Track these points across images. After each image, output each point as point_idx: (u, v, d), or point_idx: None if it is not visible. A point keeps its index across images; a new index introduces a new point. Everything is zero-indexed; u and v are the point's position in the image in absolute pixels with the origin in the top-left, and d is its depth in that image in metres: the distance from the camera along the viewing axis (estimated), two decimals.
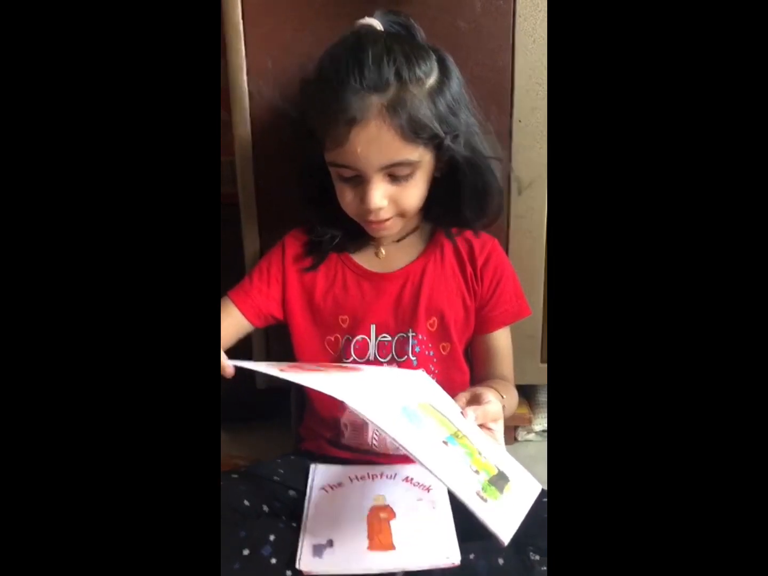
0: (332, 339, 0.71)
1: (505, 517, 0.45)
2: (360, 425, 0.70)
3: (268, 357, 0.84)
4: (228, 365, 0.53)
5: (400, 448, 0.44)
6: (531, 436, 0.96)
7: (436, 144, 0.61)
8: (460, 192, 0.66)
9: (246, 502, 0.59)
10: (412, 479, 0.63)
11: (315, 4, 0.70)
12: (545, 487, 0.52)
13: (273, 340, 0.83)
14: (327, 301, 0.71)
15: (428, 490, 0.61)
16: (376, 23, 0.63)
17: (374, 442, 0.69)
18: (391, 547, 0.53)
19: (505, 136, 0.71)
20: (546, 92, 0.72)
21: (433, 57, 0.61)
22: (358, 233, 0.70)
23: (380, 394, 0.53)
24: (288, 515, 0.60)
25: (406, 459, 0.68)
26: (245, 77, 0.72)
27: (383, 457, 0.69)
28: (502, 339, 0.73)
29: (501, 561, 0.52)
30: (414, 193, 0.63)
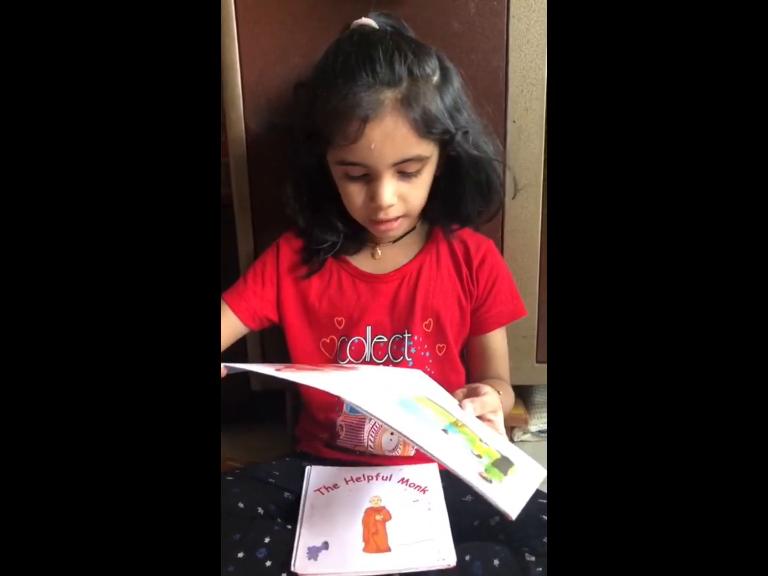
0: (327, 341, 0.71)
1: (511, 494, 0.44)
2: (356, 426, 0.70)
3: (264, 360, 0.84)
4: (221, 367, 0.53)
5: (399, 434, 0.43)
6: (527, 436, 0.96)
7: (444, 140, 0.61)
8: (461, 188, 0.66)
9: (241, 505, 0.58)
10: (407, 480, 0.63)
11: (308, 6, 0.69)
12: (544, 489, 0.52)
13: (268, 342, 0.83)
14: (322, 302, 0.70)
15: (424, 491, 0.61)
16: (373, 23, 0.63)
17: (370, 443, 0.69)
18: (387, 548, 0.53)
19: (499, 136, 0.71)
20: (540, 93, 0.72)
21: (434, 56, 0.61)
22: (355, 236, 0.70)
23: (376, 388, 0.52)
24: (283, 517, 0.60)
25: (401, 460, 0.68)
26: (239, 79, 0.72)
27: (379, 458, 0.69)
28: (498, 340, 0.73)
29: (497, 562, 0.52)
30: (422, 190, 0.63)
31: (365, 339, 0.70)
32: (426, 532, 0.55)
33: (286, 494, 0.63)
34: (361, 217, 0.65)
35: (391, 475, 0.64)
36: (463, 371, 0.74)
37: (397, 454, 0.69)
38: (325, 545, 0.53)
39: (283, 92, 0.72)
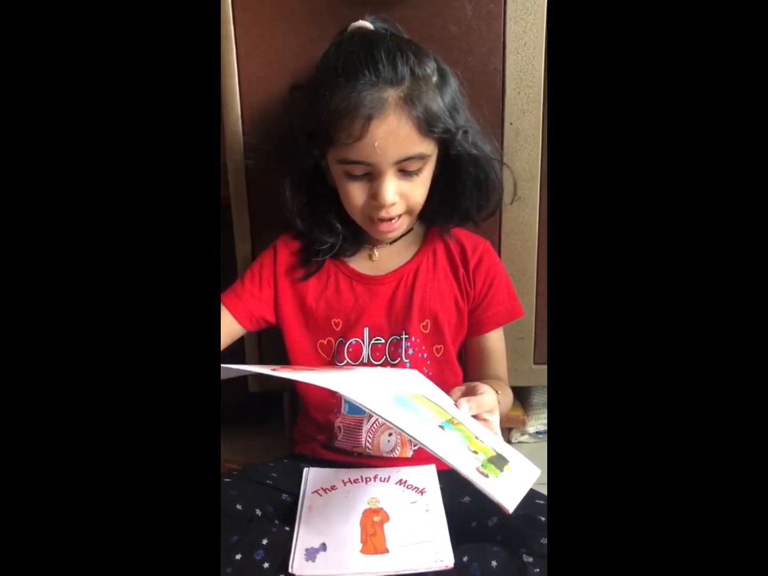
0: (325, 342, 0.71)
1: (508, 488, 0.45)
2: (354, 428, 0.70)
3: (261, 361, 0.84)
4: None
5: (397, 430, 0.43)
6: (525, 437, 0.96)
7: (445, 139, 0.61)
8: (460, 186, 0.66)
9: (238, 506, 0.58)
10: (405, 482, 0.63)
11: (304, 10, 0.70)
12: (541, 490, 0.52)
13: (265, 344, 0.83)
14: (319, 304, 0.71)
15: (422, 493, 0.61)
16: (369, 27, 0.63)
17: (368, 444, 0.69)
18: (385, 550, 0.53)
19: (496, 138, 0.72)
20: (537, 95, 0.72)
21: (432, 57, 0.62)
22: (353, 238, 0.70)
23: (373, 385, 0.52)
24: (281, 519, 0.60)
25: (399, 462, 0.68)
26: (236, 81, 0.72)
27: (377, 459, 0.69)
28: (495, 340, 0.74)
29: (494, 563, 0.52)
30: (422, 189, 0.64)
31: (363, 340, 0.70)
32: (424, 534, 0.55)
33: (284, 496, 0.63)
34: (361, 217, 0.65)
35: (389, 477, 0.64)
36: (461, 372, 0.74)
37: (395, 456, 0.69)
38: (323, 547, 0.53)
39: (280, 95, 0.72)
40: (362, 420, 0.69)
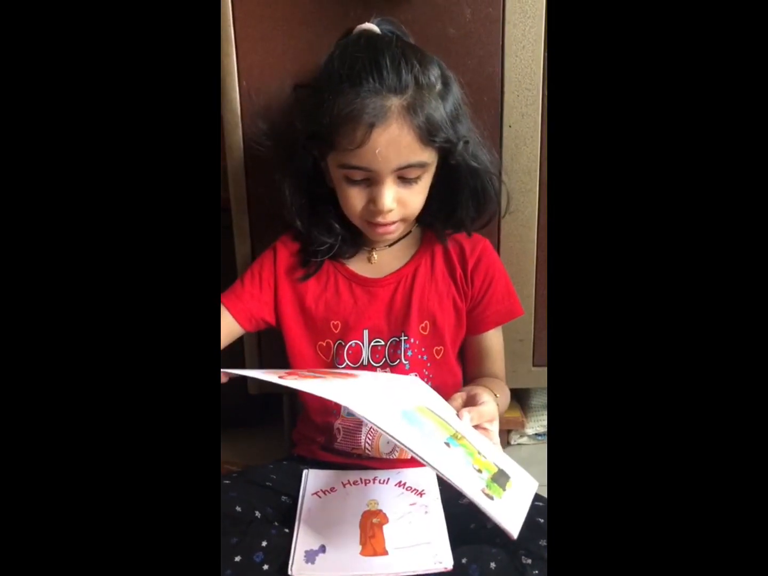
0: (324, 344, 0.71)
1: (511, 512, 0.46)
2: (353, 430, 0.70)
3: (261, 362, 0.84)
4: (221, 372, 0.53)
5: (408, 451, 0.44)
6: (524, 439, 0.97)
7: (446, 149, 0.62)
8: (458, 195, 0.67)
9: (238, 508, 0.58)
10: (404, 484, 0.63)
11: (305, 10, 0.70)
12: (541, 490, 0.53)
13: (265, 344, 0.83)
14: (319, 306, 0.71)
15: (421, 494, 0.61)
16: (376, 29, 0.63)
17: (367, 446, 0.69)
18: (384, 552, 0.53)
19: (495, 141, 0.72)
20: (535, 98, 0.72)
21: (436, 64, 0.62)
22: (352, 239, 0.70)
23: (380, 398, 0.53)
24: (280, 521, 0.60)
25: (398, 464, 0.68)
26: (236, 83, 0.72)
27: (376, 461, 0.69)
28: (494, 339, 0.74)
29: (493, 565, 0.52)
30: (420, 196, 0.64)
31: (362, 342, 0.70)
32: (423, 536, 0.55)
33: (284, 498, 0.63)
34: (359, 220, 0.66)
35: (388, 479, 0.64)
36: (460, 373, 0.74)
37: (395, 458, 0.70)
38: (323, 549, 0.53)
39: (280, 96, 0.72)
40: (361, 422, 0.69)
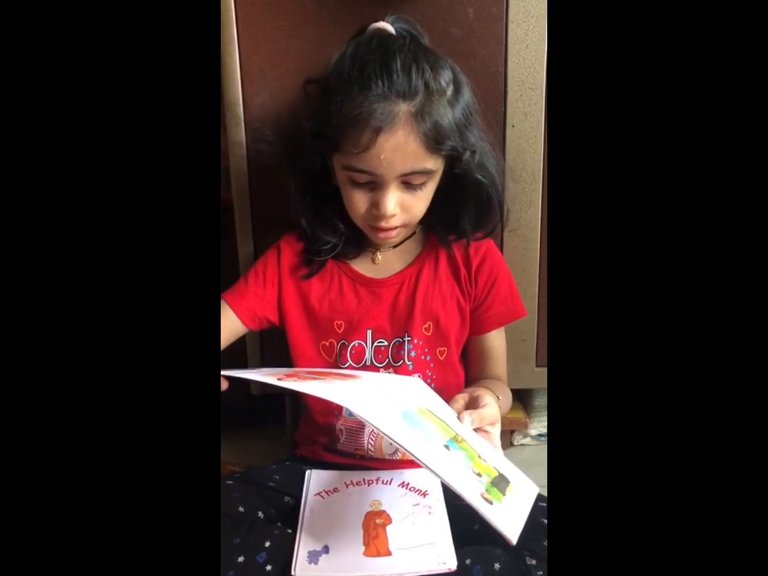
0: (327, 344, 0.71)
1: (511, 517, 0.46)
2: (356, 431, 0.70)
3: (263, 361, 0.84)
4: (222, 379, 0.53)
5: (407, 453, 0.44)
6: (527, 440, 0.96)
7: (452, 157, 0.61)
8: (462, 204, 0.66)
9: (241, 509, 0.58)
10: (408, 484, 0.63)
11: (307, 11, 0.70)
12: (543, 491, 0.52)
13: (267, 343, 0.83)
14: (322, 305, 0.71)
15: (424, 495, 0.61)
16: (390, 28, 0.62)
17: (370, 447, 0.69)
18: (387, 552, 0.53)
19: (498, 141, 0.72)
20: (539, 98, 0.72)
21: (449, 67, 0.61)
22: (356, 239, 0.70)
23: (380, 400, 0.52)
24: (283, 521, 0.60)
25: (401, 464, 0.68)
26: (239, 82, 0.72)
27: (379, 462, 0.69)
28: (497, 340, 0.74)
29: (497, 566, 0.52)
30: (424, 202, 0.64)
31: (366, 343, 0.70)
32: (426, 536, 0.55)
33: (286, 498, 0.63)
34: (362, 223, 0.66)
35: (391, 479, 0.63)
36: (463, 374, 0.74)
37: (398, 458, 0.69)
38: (326, 549, 0.53)
39: (283, 96, 0.72)
40: (364, 423, 0.69)
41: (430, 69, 0.58)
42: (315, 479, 0.65)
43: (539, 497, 0.53)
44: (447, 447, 0.48)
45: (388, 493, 0.61)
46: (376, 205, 0.61)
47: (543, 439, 0.96)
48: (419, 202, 0.63)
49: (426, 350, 0.70)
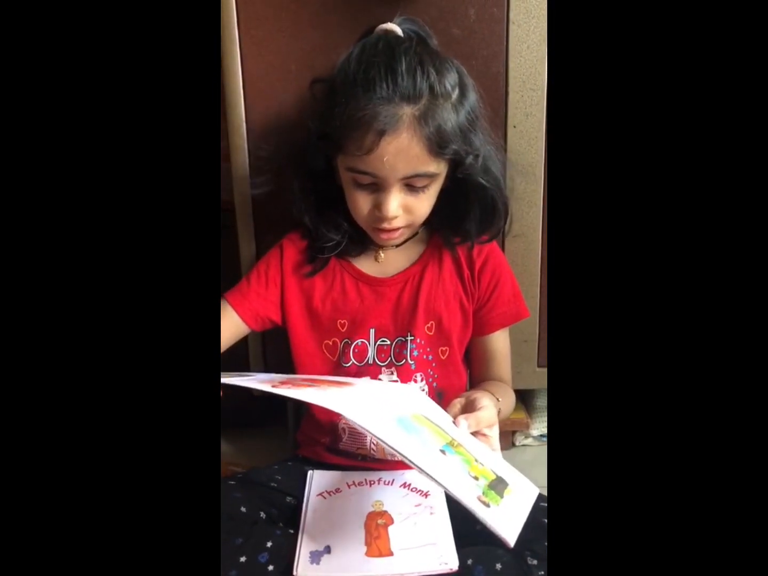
0: (330, 343, 0.71)
1: (509, 519, 0.45)
2: (358, 431, 0.70)
3: (265, 362, 0.84)
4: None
5: (400, 457, 0.44)
6: (529, 440, 0.96)
7: (455, 161, 0.61)
8: (467, 207, 0.66)
9: (242, 509, 0.58)
10: (409, 485, 0.63)
11: (309, 12, 0.70)
12: (544, 492, 0.52)
13: (269, 343, 0.83)
14: (326, 305, 0.71)
15: (426, 495, 0.61)
16: (398, 30, 0.62)
17: (372, 447, 0.69)
18: (389, 553, 0.53)
19: (500, 141, 0.72)
20: (540, 98, 0.72)
21: (455, 70, 0.61)
22: (359, 238, 0.70)
23: (375, 406, 0.52)
24: (285, 522, 0.60)
25: (403, 465, 0.68)
26: (240, 84, 0.72)
27: (381, 462, 0.69)
28: (500, 341, 0.74)
29: (499, 566, 0.52)
30: (427, 204, 0.64)
31: (368, 342, 0.70)
32: (428, 537, 0.55)
33: (288, 499, 0.63)
34: (365, 224, 0.66)
35: (393, 480, 0.64)
36: (466, 374, 0.74)
37: (399, 459, 0.69)
38: (327, 549, 0.53)
39: (284, 99, 0.72)
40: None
41: (436, 72, 0.58)
42: (317, 480, 0.65)
43: (540, 497, 0.53)
44: (443, 451, 0.48)
45: (390, 494, 0.61)
46: (378, 207, 0.62)
47: (545, 439, 0.96)
48: (422, 205, 0.63)
49: (428, 350, 0.70)
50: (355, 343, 0.70)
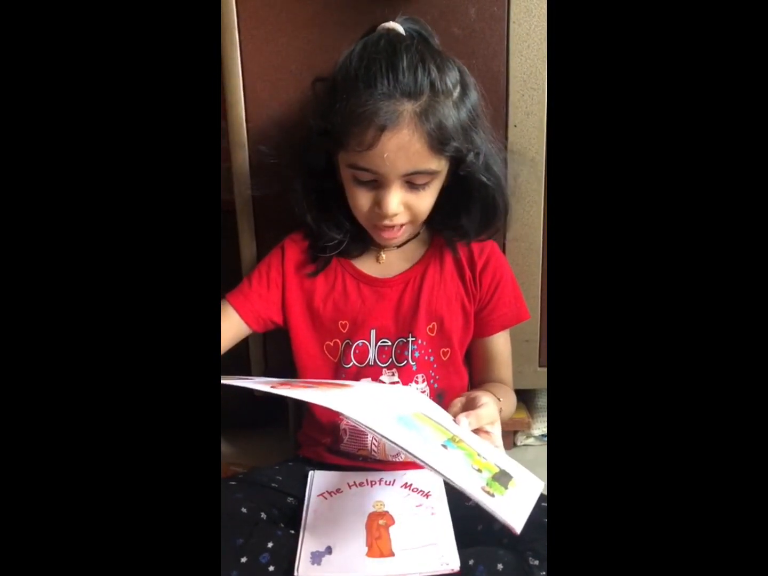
0: (331, 344, 0.71)
1: (514, 508, 0.45)
2: (359, 431, 0.70)
3: (266, 363, 0.84)
4: None
5: (401, 451, 0.43)
6: (530, 440, 0.96)
7: (456, 158, 0.61)
8: (467, 205, 0.66)
9: (244, 510, 0.58)
10: (410, 485, 0.63)
11: (308, 12, 0.70)
12: (545, 491, 0.52)
13: (270, 344, 0.83)
14: (327, 305, 0.71)
15: (427, 496, 0.61)
16: (400, 28, 0.62)
17: (374, 447, 0.69)
18: (390, 553, 0.53)
19: (500, 140, 0.72)
20: (541, 97, 0.72)
21: (456, 68, 0.61)
22: (360, 237, 0.70)
23: (375, 405, 0.52)
24: (286, 522, 0.60)
25: (404, 465, 0.68)
26: (240, 84, 0.72)
27: (382, 463, 0.69)
28: (501, 343, 0.73)
29: (500, 566, 0.52)
30: (428, 201, 0.63)
31: (369, 342, 0.70)
32: (429, 537, 0.55)
33: (289, 499, 0.63)
34: (365, 222, 0.66)
35: (394, 480, 0.63)
36: (467, 375, 0.74)
37: (401, 459, 0.69)
38: (329, 550, 0.53)
39: (285, 99, 0.72)
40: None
41: (437, 69, 0.57)
42: (318, 480, 0.65)
43: (542, 497, 0.53)
44: (444, 446, 0.47)
45: (391, 494, 0.61)
46: (378, 204, 0.61)
47: (546, 439, 0.96)
48: (423, 202, 0.63)
49: (430, 351, 0.70)
50: (356, 344, 0.70)
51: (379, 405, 0.53)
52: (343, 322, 0.70)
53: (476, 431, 0.54)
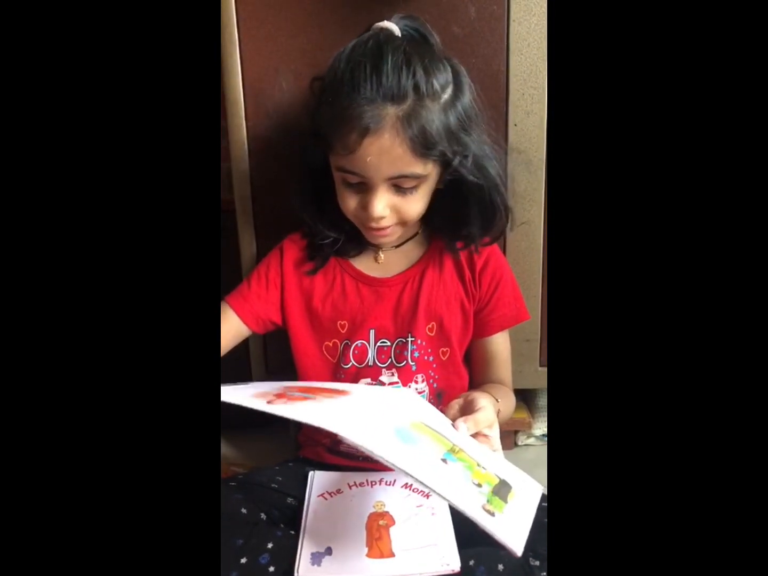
0: (330, 344, 0.71)
1: (514, 527, 0.45)
2: None
3: (266, 364, 0.84)
4: None
5: (401, 473, 0.43)
6: (531, 440, 0.96)
7: (444, 161, 0.60)
8: (466, 209, 0.65)
9: (243, 510, 0.58)
10: (411, 486, 0.62)
11: (308, 11, 0.70)
12: (545, 491, 0.52)
13: (270, 345, 0.83)
14: (325, 306, 0.70)
15: (428, 496, 0.61)
16: (394, 28, 0.61)
17: None
18: (391, 554, 0.53)
19: (500, 140, 0.71)
20: (541, 96, 0.72)
21: (449, 69, 0.60)
22: (358, 237, 0.70)
23: (372, 418, 0.51)
24: (286, 523, 0.60)
25: None
26: (240, 83, 0.72)
27: (382, 464, 0.68)
28: (500, 343, 0.73)
29: (501, 567, 0.51)
30: (416, 204, 0.63)
31: (368, 343, 0.70)
32: (430, 538, 0.55)
33: (289, 500, 0.63)
34: (355, 222, 0.66)
35: (394, 480, 0.63)
36: (467, 375, 0.74)
37: None
38: (329, 551, 0.53)
39: (284, 97, 0.72)
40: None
41: (424, 71, 0.56)
42: (318, 481, 0.64)
43: (543, 498, 0.52)
44: (444, 460, 0.47)
45: (392, 495, 0.61)
46: (365, 207, 0.61)
47: (546, 438, 0.96)
48: (411, 206, 0.62)
49: (429, 351, 0.70)
50: (355, 344, 0.70)
51: (376, 417, 0.52)
52: (342, 323, 0.70)
53: (474, 435, 0.54)
